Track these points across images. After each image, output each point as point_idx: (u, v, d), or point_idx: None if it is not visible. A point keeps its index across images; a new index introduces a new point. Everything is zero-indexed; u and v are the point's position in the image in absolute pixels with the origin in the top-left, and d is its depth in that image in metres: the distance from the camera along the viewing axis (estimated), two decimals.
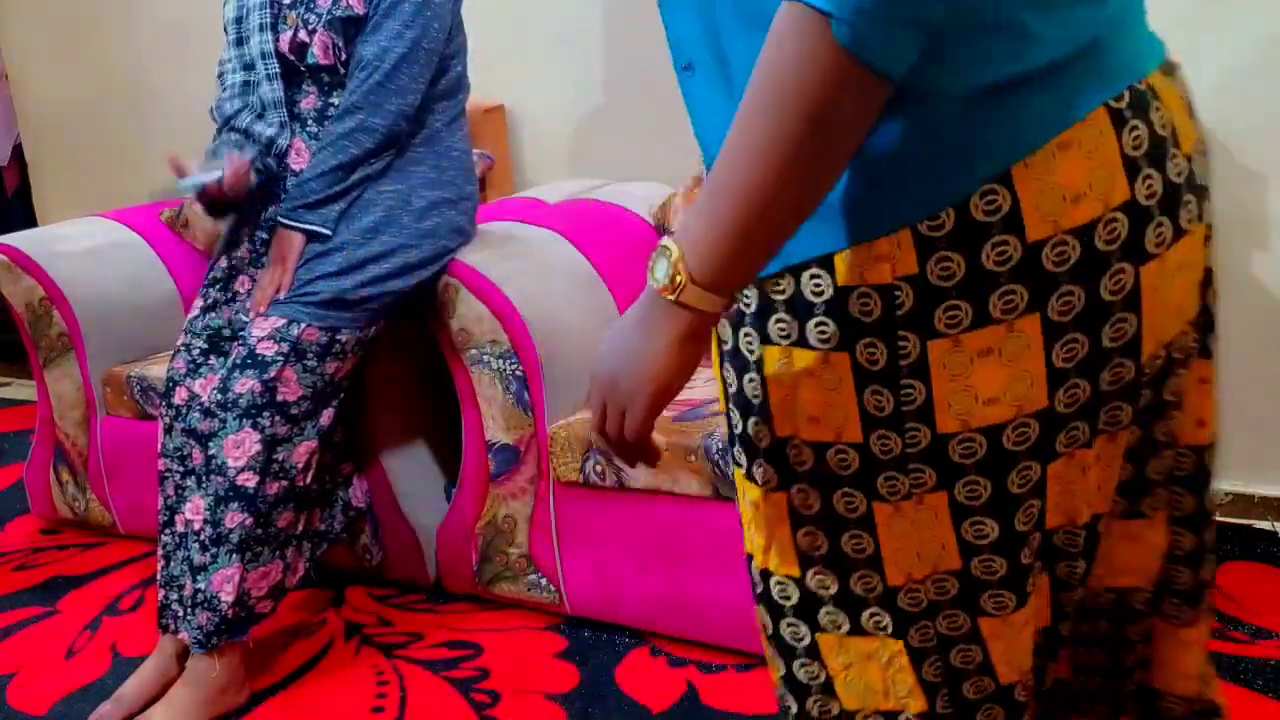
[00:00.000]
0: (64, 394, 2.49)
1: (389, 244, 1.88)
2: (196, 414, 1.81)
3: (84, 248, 2.53)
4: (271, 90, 1.92)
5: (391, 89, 1.87)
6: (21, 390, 3.68)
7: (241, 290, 2.00)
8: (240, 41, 1.96)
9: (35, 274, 2.42)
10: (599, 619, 1.99)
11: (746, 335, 0.84)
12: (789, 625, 0.88)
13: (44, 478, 2.58)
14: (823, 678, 0.87)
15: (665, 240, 0.75)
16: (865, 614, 0.85)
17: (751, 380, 0.84)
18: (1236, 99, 2.05)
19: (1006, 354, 0.75)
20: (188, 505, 1.81)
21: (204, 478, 1.79)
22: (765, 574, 0.89)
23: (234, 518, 1.77)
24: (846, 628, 0.85)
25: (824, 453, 0.82)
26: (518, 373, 1.93)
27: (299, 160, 1.95)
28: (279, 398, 1.79)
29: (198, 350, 1.95)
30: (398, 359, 2.11)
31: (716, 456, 1.76)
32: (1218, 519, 1.04)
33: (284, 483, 1.82)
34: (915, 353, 0.76)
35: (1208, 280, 0.82)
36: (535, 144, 2.74)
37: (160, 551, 1.90)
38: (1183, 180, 0.75)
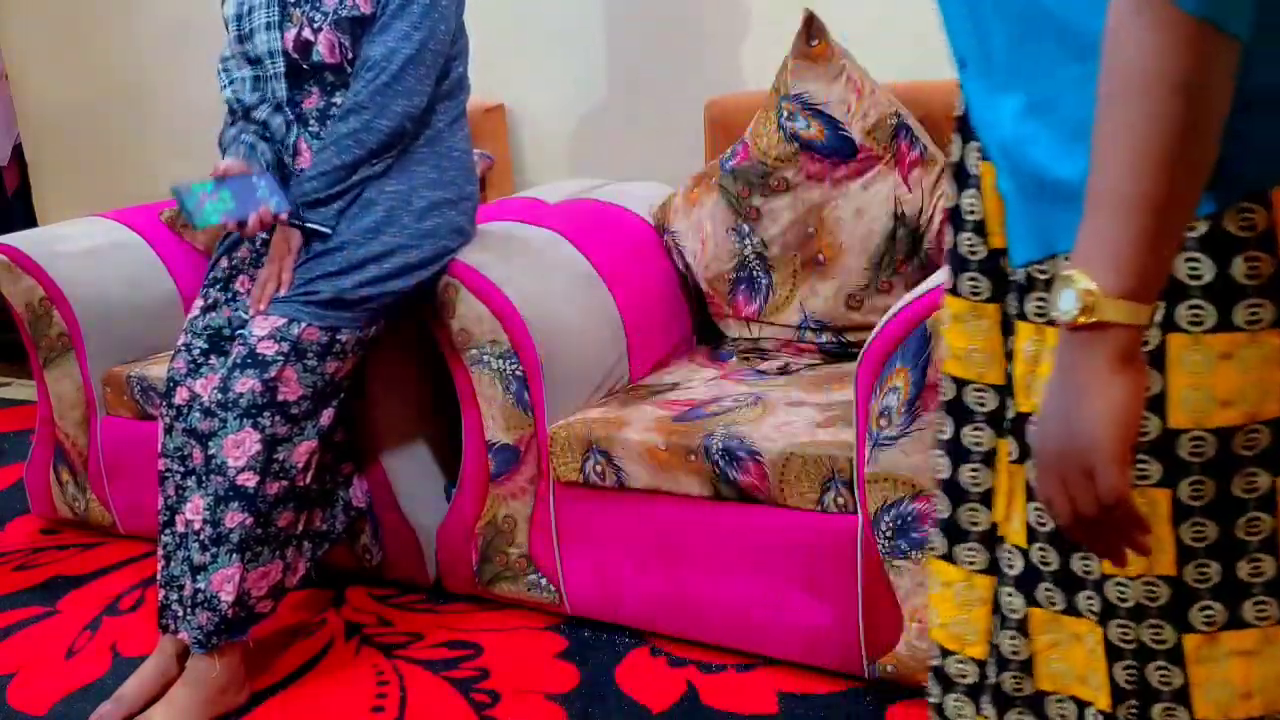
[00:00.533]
0: (64, 394, 2.49)
1: (389, 244, 1.88)
2: (197, 414, 1.81)
3: (84, 248, 2.53)
4: (275, 89, 1.92)
5: (398, 90, 1.87)
6: (21, 390, 3.68)
7: (242, 290, 2.00)
8: (242, 38, 1.96)
9: (35, 274, 2.42)
10: (599, 619, 1.99)
11: None
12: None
13: (44, 478, 2.58)
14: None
15: (1061, 271, 0.71)
16: (1081, 594, 0.84)
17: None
18: None
19: (1245, 361, 0.75)
20: (188, 505, 1.81)
21: (204, 477, 1.79)
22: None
23: (234, 517, 1.77)
24: (1061, 606, 0.84)
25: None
26: (518, 373, 1.93)
27: (301, 160, 1.95)
28: (279, 397, 1.79)
29: (198, 350, 1.95)
30: (398, 359, 2.11)
31: (717, 456, 1.76)
32: None
33: (284, 482, 1.82)
34: (1155, 341, 0.76)
35: None
36: (535, 144, 2.74)
37: (160, 551, 1.90)
38: None
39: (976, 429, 0.89)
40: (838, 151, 2.05)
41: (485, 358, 1.94)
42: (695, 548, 1.84)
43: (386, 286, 1.88)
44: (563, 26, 2.64)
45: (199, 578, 1.78)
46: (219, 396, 1.79)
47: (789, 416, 1.81)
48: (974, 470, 0.91)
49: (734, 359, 2.19)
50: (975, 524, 0.86)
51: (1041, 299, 0.82)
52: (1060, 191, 0.77)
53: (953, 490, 0.93)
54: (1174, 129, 0.67)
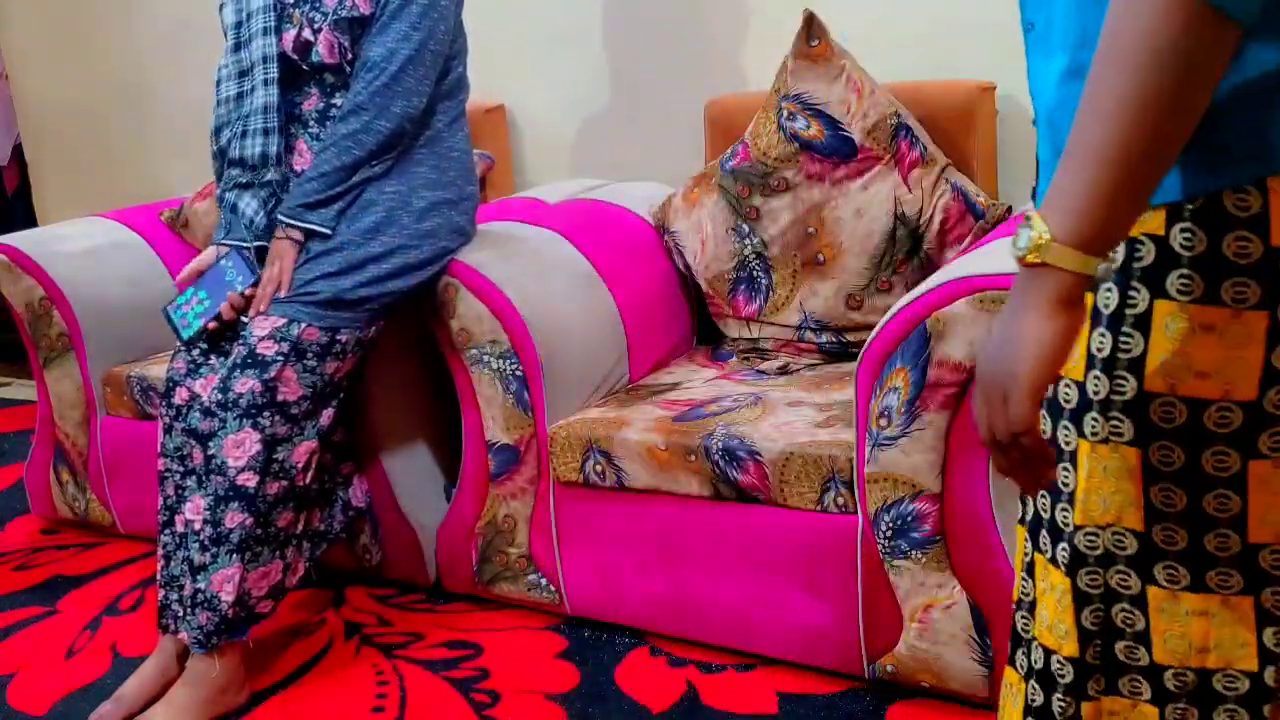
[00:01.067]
0: (64, 394, 2.49)
1: (389, 244, 1.88)
2: (197, 414, 1.81)
3: (84, 248, 2.53)
4: (266, 94, 1.91)
5: (398, 91, 1.87)
6: (21, 390, 3.68)
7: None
8: (239, 46, 1.96)
9: (35, 274, 2.43)
10: (599, 619, 1.99)
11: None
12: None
13: (44, 478, 2.58)
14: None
15: (1027, 211, 0.76)
16: (1059, 546, 0.88)
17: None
18: None
19: (1228, 338, 0.78)
20: (188, 505, 1.81)
21: (204, 478, 1.79)
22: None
23: (234, 517, 1.77)
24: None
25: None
26: (518, 373, 1.93)
27: (301, 161, 1.95)
28: (279, 397, 1.79)
29: (198, 350, 1.95)
30: (398, 359, 2.11)
31: (717, 456, 1.76)
32: None
33: (284, 482, 1.82)
34: (1142, 305, 0.80)
35: None
36: (535, 144, 2.74)
37: (160, 551, 1.90)
38: None
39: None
40: (838, 151, 2.05)
41: (485, 358, 1.94)
42: (695, 548, 1.84)
43: (386, 287, 1.88)
44: (563, 27, 2.64)
45: (199, 578, 1.78)
46: (219, 397, 1.79)
47: (789, 416, 1.81)
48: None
49: (734, 359, 2.19)
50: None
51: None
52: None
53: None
54: (1151, 97, 0.70)
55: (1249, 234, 0.76)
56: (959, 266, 1.60)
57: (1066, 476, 0.88)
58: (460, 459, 2.05)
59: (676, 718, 1.74)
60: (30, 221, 3.71)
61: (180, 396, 1.92)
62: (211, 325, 1.89)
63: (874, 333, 1.61)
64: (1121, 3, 0.70)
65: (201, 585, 1.78)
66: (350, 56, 1.90)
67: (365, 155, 1.87)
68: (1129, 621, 0.87)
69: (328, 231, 1.86)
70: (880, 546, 1.66)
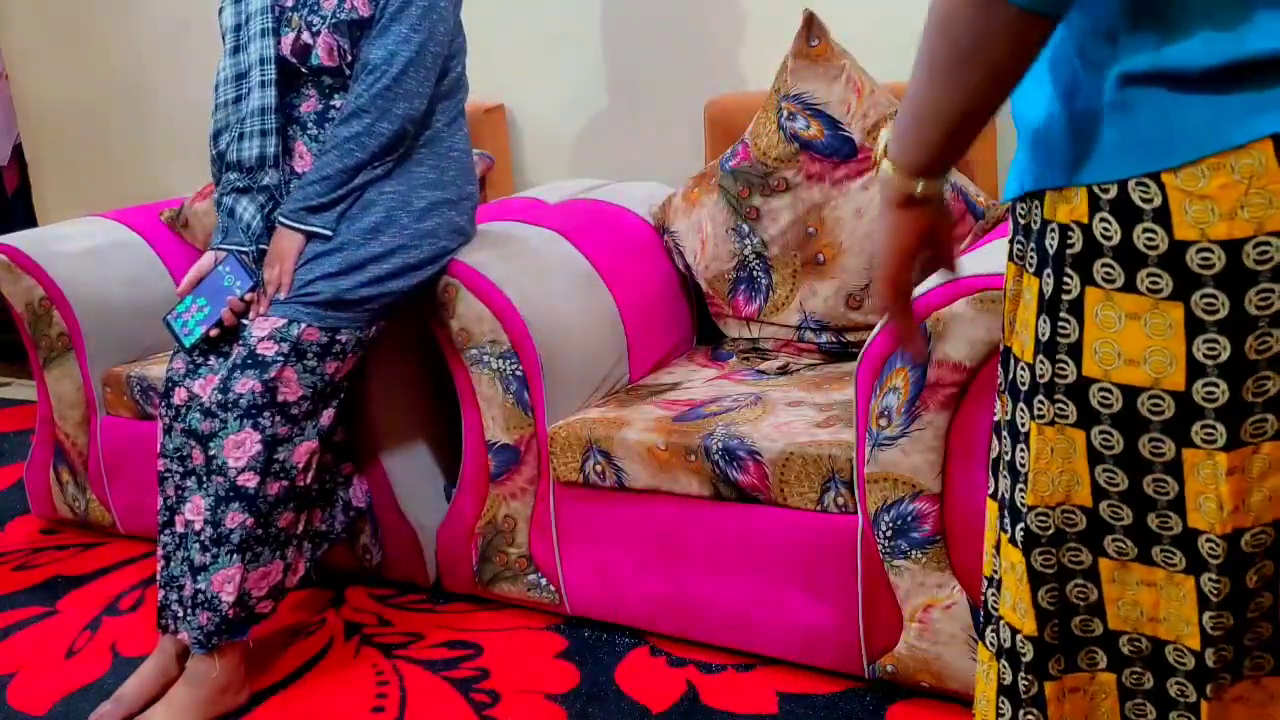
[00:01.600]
0: (64, 394, 2.49)
1: (389, 244, 1.88)
2: (196, 414, 1.81)
3: (84, 248, 2.53)
4: (262, 96, 1.91)
5: (399, 93, 1.87)
6: (21, 390, 3.68)
7: None
8: (238, 49, 1.96)
9: (35, 274, 2.43)
10: (599, 619, 1.99)
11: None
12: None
13: (44, 478, 2.58)
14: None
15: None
16: (1017, 526, 0.92)
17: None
18: None
19: (1151, 326, 0.82)
20: (188, 505, 1.81)
21: (204, 478, 1.79)
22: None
23: (235, 518, 1.77)
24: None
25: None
26: (518, 373, 1.93)
27: (299, 163, 1.95)
28: (279, 398, 1.79)
29: (198, 350, 1.95)
30: (398, 359, 2.11)
31: (717, 456, 1.76)
32: None
33: (284, 483, 1.82)
34: (1075, 292, 0.84)
35: None
36: (535, 144, 2.74)
37: (160, 552, 1.90)
38: None
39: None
40: (838, 151, 2.05)
41: (485, 358, 1.94)
42: (695, 548, 1.84)
43: (386, 287, 1.88)
44: (563, 27, 2.64)
45: (199, 578, 1.78)
46: (219, 397, 1.79)
47: (789, 416, 1.81)
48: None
49: (734, 359, 2.19)
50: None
51: (1019, 241, 0.92)
52: (1024, 131, 0.90)
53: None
54: (940, 62, 0.82)
55: (1155, 226, 0.80)
56: (959, 266, 1.60)
57: (1023, 457, 0.91)
58: (460, 459, 2.05)
59: (676, 718, 1.74)
60: (30, 221, 3.71)
61: (179, 397, 1.92)
62: (213, 332, 1.89)
63: (874, 333, 1.61)
64: None
65: (202, 585, 1.78)
66: (349, 59, 1.90)
67: (367, 158, 1.87)
68: (1083, 595, 0.91)
69: (329, 234, 1.86)
70: (880, 546, 1.66)
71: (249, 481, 1.77)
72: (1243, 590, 0.85)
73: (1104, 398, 0.85)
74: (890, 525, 1.64)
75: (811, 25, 2.07)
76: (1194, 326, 0.81)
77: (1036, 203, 0.88)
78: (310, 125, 1.94)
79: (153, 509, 1.97)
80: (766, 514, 1.76)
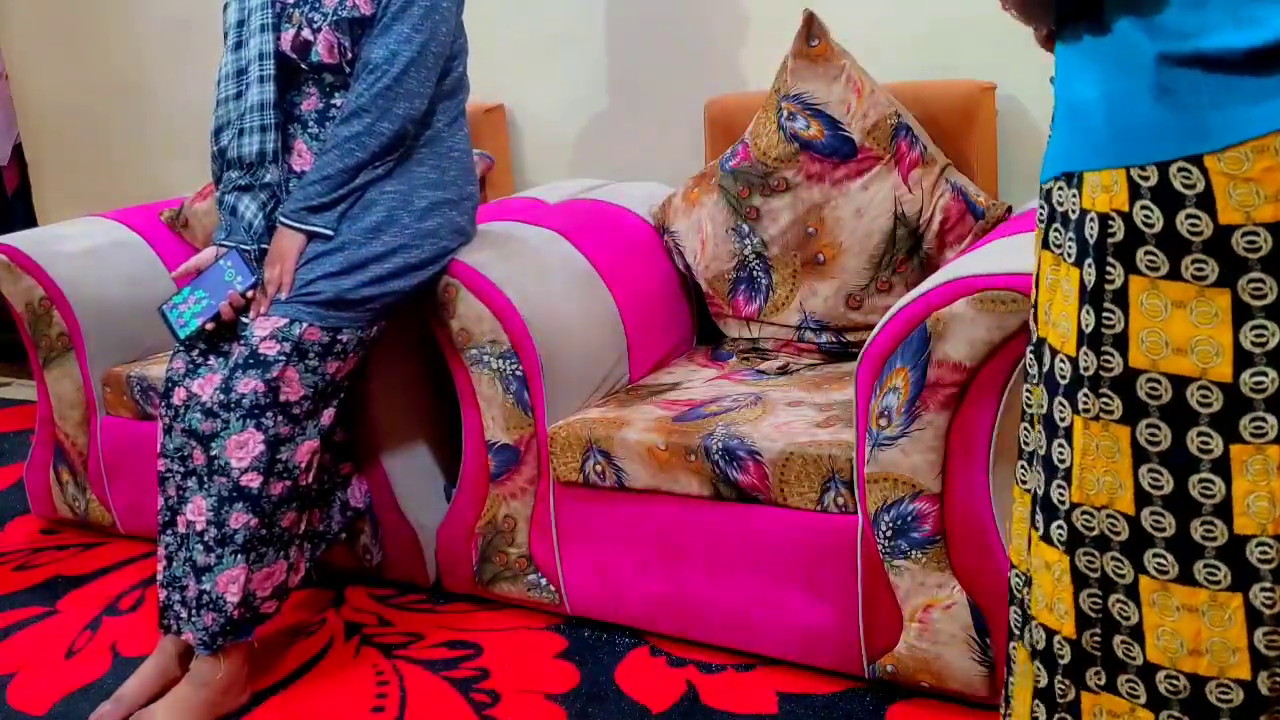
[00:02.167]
0: (64, 394, 2.49)
1: (390, 244, 1.88)
2: (197, 414, 1.81)
3: (84, 248, 2.53)
4: (261, 92, 1.91)
5: (400, 93, 1.86)
6: (21, 390, 3.68)
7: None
8: (239, 45, 1.96)
9: (35, 274, 2.43)
10: (599, 619, 1.99)
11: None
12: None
13: (44, 478, 2.58)
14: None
15: None
16: (1054, 524, 0.88)
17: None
18: None
19: (1197, 314, 0.80)
20: (189, 506, 1.81)
21: (206, 478, 1.79)
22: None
23: (239, 518, 1.77)
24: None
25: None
26: (518, 373, 1.93)
27: (300, 162, 1.94)
28: (281, 398, 1.79)
29: (197, 350, 1.95)
30: (398, 359, 2.11)
31: (717, 456, 1.76)
32: None
33: (287, 483, 1.82)
34: (1119, 281, 0.82)
35: None
36: (535, 144, 2.74)
37: (161, 552, 1.90)
38: None
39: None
40: (838, 151, 2.05)
41: (485, 358, 1.94)
42: (695, 548, 1.84)
43: (387, 286, 1.88)
44: (563, 27, 2.64)
45: (204, 579, 1.78)
46: (221, 397, 1.79)
47: (789, 416, 1.82)
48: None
49: (734, 359, 2.19)
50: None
51: (1058, 229, 0.88)
52: (1063, 112, 0.86)
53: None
54: None
55: (1198, 211, 0.79)
56: (959, 266, 1.60)
57: (1062, 452, 0.89)
58: (460, 459, 2.05)
59: (676, 718, 1.74)
60: (30, 221, 3.71)
61: (179, 397, 1.92)
62: (209, 326, 1.88)
63: (874, 333, 1.61)
64: None
65: (206, 586, 1.78)
66: (350, 57, 1.90)
67: (368, 158, 1.87)
68: (1124, 614, 0.87)
69: (330, 233, 1.86)
70: (880, 546, 1.66)
71: (252, 482, 1.77)
72: None
73: (1152, 389, 0.83)
74: (890, 525, 1.64)
75: (811, 25, 2.07)
76: (1241, 313, 0.79)
77: (1074, 191, 0.85)
78: (311, 123, 1.94)
79: (153, 509, 1.97)
80: (766, 514, 1.76)
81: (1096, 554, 0.88)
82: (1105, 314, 0.84)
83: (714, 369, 2.16)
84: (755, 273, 2.17)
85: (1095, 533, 0.87)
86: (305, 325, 1.81)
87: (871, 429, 1.62)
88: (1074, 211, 0.86)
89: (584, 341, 2.03)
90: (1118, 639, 0.88)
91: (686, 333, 2.33)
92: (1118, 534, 0.86)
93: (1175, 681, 0.86)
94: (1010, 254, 1.57)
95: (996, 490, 1.58)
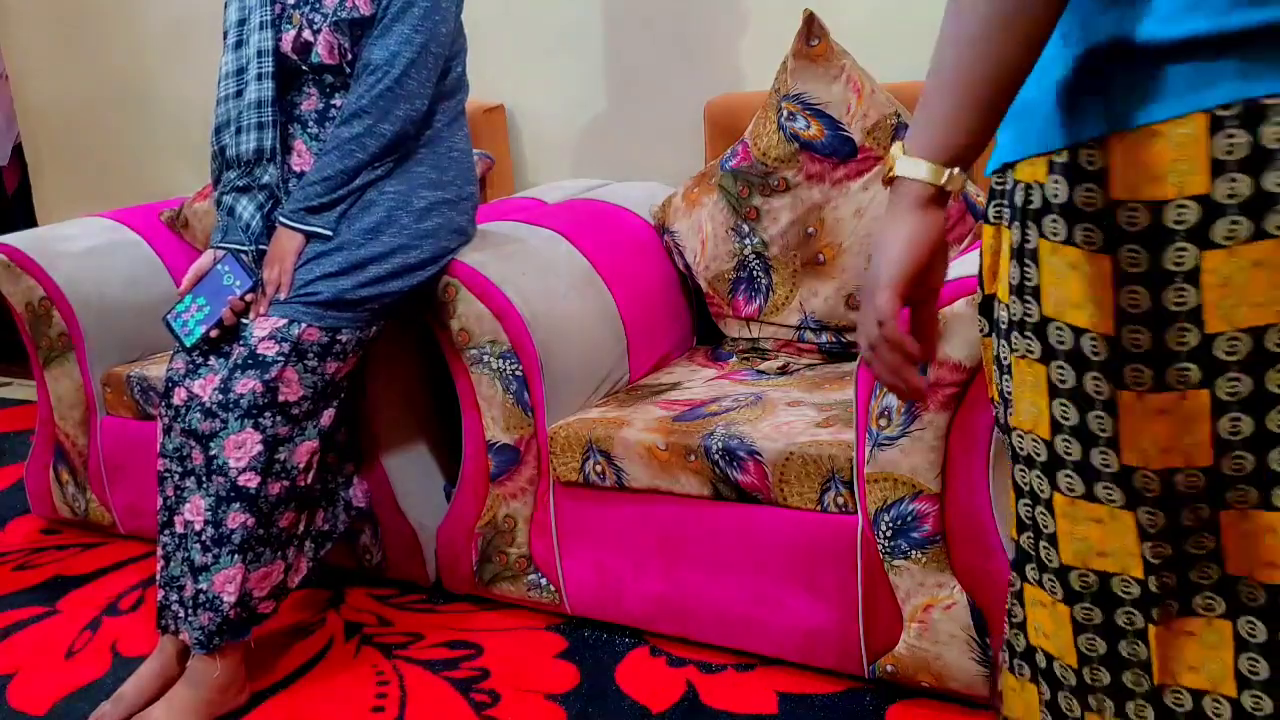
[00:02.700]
0: (64, 394, 2.49)
1: (389, 244, 1.88)
2: (197, 414, 1.81)
3: (84, 248, 2.53)
4: (260, 89, 1.91)
5: (400, 94, 1.86)
6: (21, 390, 3.68)
7: None
8: (239, 44, 1.96)
9: (35, 274, 2.43)
10: (599, 619, 1.99)
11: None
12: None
13: (44, 478, 2.58)
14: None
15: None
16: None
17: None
18: None
19: (1087, 276, 0.90)
20: (187, 506, 1.81)
21: (204, 478, 1.79)
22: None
23: (236, 518, 1.77)
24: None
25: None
26: (518, 373, 1.93)
27: (299, 162, 1.94)
28: (280, 398, 1.79)
29: (198, 350, 1.95)
30: (398, 359, 2.11)
31: (717, 456, 1.76)
32: None
33: (285, 483, 1.82)
34: (1033, 242, 0.93)
35: None
36: (535, 144, 2.74)
37: (160, 552, 1.90)
38: None
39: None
40: (838, 151, 2.05)
41: (485, 358, 1.94)
42: (695, 548, 1.84)
43: (387, 287, 1.88)
44: (563, 27, 2.64)
45: (200, 579, 1.78)
46: (220, 397, 1.79)
47: (789, 416, 1.81)
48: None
49: (734, 359, 2.19)
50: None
51: (997, 204, 0.99)
52: (1020, 107, 0.95)
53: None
54: (976, 29, 0.86)
55: (1094, 185, 0.87)
56: (959, 266, 1.60)
57: (1008, 385, 1.00)
58: (460, 459, 2.05)
59: (676, 718, 1.74)
60: (30, 221, 3.72)
61: (179, 397, 1.92)
62: (213, 332, 1.88)
63: None
64: None
65: (203, 586, 1.78)
66: (350, 57, 1.90)
67: (368, 159, 1.87)
68: (1044, 524, 0.98)
69: (329, 234, 1.86)
70: (880, 546, 1.66)
71: (250, 482, 1.77)
72: (1179, 527, 0.91)
73: (1058, 336, 0.92)
74: (890, 525, 1.64)
75: (811, 25, 2.07)
76: (1119, 278, 0.88)
77: (1010, 174, 0.95)
78: (310, 123, 1.94)
79: (153, 509, 1.97)
80: (766, 514, 1.76)
81: (1026, 470, 0.99)
82: (1025, 268, 0.94)
83: (714, 369, 2.16)
84: (755, 273, 2.17)
85: (1025, 453, 0.99)
86: (304, 325, 1.81)
87: (871, 429, 1.62)
88: (1009, 184, 0.96)
89: (584, 341, 2.03)
90: (1041, 544, 0.99)
91: (686, 333, 2.33)
92: (1039, 455, 0.97)
93: (1086, 579, 0.97)
94: None
95: (996, 490, 1.58)
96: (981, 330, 1.06)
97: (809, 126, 2.07)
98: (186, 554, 1.80)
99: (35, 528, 2.65)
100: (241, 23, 1.96)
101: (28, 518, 2.69)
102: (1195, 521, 0.91)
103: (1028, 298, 0.94)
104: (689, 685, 1.81)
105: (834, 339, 2.12)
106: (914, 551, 1.63)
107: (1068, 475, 0.94)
